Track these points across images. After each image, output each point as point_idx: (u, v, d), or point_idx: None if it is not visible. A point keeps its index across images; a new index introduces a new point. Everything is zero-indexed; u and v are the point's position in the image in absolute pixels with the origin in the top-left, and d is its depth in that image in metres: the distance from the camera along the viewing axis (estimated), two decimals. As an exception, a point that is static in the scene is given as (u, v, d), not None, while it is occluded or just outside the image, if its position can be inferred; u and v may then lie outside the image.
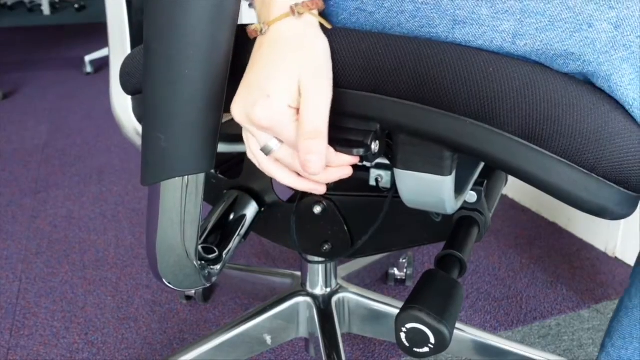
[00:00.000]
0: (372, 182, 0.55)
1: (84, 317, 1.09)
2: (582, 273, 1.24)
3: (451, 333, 0.45)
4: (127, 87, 0.61)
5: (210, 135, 0.49)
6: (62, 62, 3.37)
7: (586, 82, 0.44)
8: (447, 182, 0.47)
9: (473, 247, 0.57)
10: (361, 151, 0.45)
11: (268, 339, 0.88)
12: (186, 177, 0.51)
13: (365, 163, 0.55)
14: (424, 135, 0.45)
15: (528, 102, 0.41)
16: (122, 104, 0.69)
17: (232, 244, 0.65)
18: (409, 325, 0.45)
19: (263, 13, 0.44)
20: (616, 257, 1.29)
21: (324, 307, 0.87)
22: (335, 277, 0.90)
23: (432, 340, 0.44)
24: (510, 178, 1.60)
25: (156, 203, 0.53)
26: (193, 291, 1.11)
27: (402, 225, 0.63)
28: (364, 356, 0.99)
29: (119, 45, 0.66)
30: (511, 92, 0.41)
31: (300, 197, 0.66)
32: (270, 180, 0.68)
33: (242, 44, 0.48)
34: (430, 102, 0.43)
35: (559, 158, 0.42)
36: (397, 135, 0.47)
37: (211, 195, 0.71)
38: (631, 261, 1.27)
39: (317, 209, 0.66)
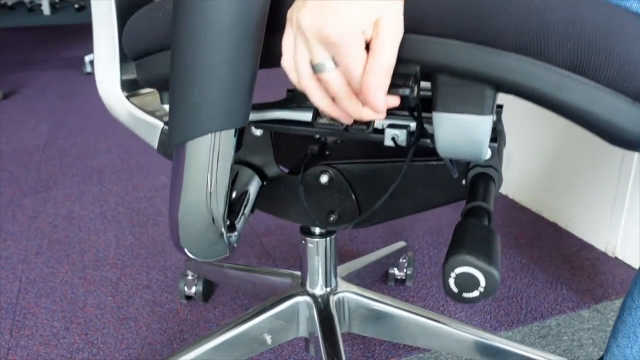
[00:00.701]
0: (388, 142, 0.54)
1: (84, 317, 1.09)
2: (582, 273, 1.24)
3: (500, 275, 0.44)
4: (133, 50, 0.59)
5: (246, 88, 0.47)
6: (62, 62, 3.37)
7: (630, 11, 0.43)
8: (488, 122, 0.46)
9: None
10: (407, 91, 0.44)
11: (268, 338, 0.88)
12: (218, 133, 0.49)
13: (381, 124, 0.54)
14: (467, 74, 0.44)
15: (576, 34, 0.41)
16: (109, 83, 0.65)
17: (242, 219, 0.63)
18: (458, 270, 0.44)
19: None
20: (616, 257, 1.29)
21: (323, 306, 0.87)
22: (335, 277, 0.90)
23: (483, 283, 0.44)
24: (511, 179, 1.59)
25: (183, 164, 0.51)
26: (193, 291, 1.11)
27: (410, 189, 0.62)
28: (364, 356, 0.99)
29: (103, 17, 0.63)
30: (558, 24, 0.41)
31: (305, 168, 0.65)
32: (273, 152, 0.66)
33: None
34: (474, 39, 0.42)
35: (604, 88, 0.42)
36: (437, 76, 0.46)
37: None
38: (631, 261, 1.27)
39: (324, 178, 0.64)
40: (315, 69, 0.44)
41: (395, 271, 1.18)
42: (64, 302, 1.13)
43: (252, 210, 0.66)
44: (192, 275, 1.12)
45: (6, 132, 2.16)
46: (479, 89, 0.45)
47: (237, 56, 0.46)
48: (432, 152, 0.60)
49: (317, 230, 0.87)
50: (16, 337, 1.04)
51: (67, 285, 1.19)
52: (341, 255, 1.30)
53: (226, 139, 0.50)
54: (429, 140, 0.55)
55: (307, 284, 0.89)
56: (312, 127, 0.54)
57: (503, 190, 1.62)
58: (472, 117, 0.46)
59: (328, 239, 0.87)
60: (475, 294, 0.45)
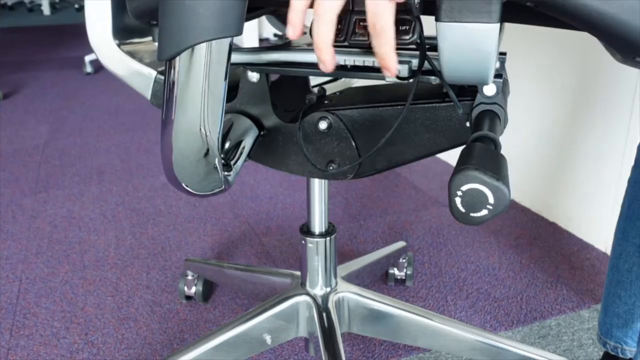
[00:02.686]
0: (390, 77, 0.53)
1: (84, 317, 1.09)
2: (582, 273, 1.24)
3: (509, 191, 0.42)
4: None
5: None
6: (62, 62, 3.37)
7: None
8: (494, 31, 0.44)
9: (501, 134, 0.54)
10: None
11: (268, 338, 0.88)
12: (210, 45, 0.47)
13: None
14: None
15: None
16: (101, 30, 0.63)
17: (239, 160, 0.61)
18: (465, 187, 0.42)
19: None
20: (616, 257, 1.29)
21: (323, 306, 0.87)
22: (335, 277, 0.90)
23: (491, 199, 0.42)
24: (511, 179, 1.59)
25: (175, 80, 0.49)
26: (193, 291, 1.11)
27: (413, 133, 0.61)
28: (364, 356, 0.99)
29: None
30: None
31: (304, 114, 0.64)
32: (271, 102, 0.64)
33: None
34: None
35: None
36: None
37: None
38: (631, 261, 1.27)
39: (323, 125, 0.63)
40: None
41: (395, 271, 1.18)
42: (64, 302, 1.13)
43: (248, 156, 0.63)
44: (192, 275, 1.12)
45: (6, 132, 2.16)
46: None
47: None
48: (434, 95, 0.59)
49: (317, 230, 0.87)
50: (16, 337, 1.04)
51: (67, 285, 1.19)
52: (341, 255, 1.30)
53: (219, 50, 0.48)
54: (432, 78, 0.54)
55: (307, 284, 0.89)
56: (310, 68, 0.52)
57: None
58: (478, 26, 0.44)
59: (328, 238, 0.87)
60: (484, 212, 0.42)
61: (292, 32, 0.47)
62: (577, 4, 0.41)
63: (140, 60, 0.66)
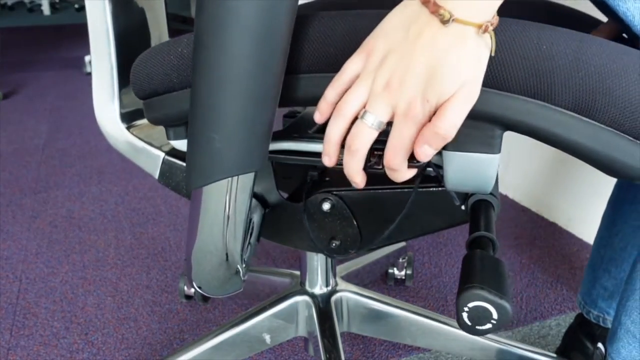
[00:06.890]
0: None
1: (84, 317, 1.09)
2: (582, 273, 1.23)
3: (512, 307, 0.45)
4: (142, 90, 0.59)
5: (265, 131, 0.48)
6: (62, 62, 3.37)
7: (633, 49, 0.45)
8: (496, 160, 0.48)
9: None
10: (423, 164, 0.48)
11: (267, 338, 0.88)
12: (238, 176, 0.50)
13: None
14: (479, 116, 0.46)
15: (580, 76, 0.43)
16: (109, 116, 0.66)
17: (249, 249, 0.64)
18: (471, 305, 0.45)
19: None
20: (616, 257, 1.29)
21: (323, 306, 0.87)
22: (334, 277, 0.90)
23: (495, 316, 0.45)
24: (511, 179, 1.58)
25: (200, 205, 0.52)
26: (193, 290, 1.11)
27: (411, 214, 0.63)
28: (363, 356, 0.99)
29: (102, 47, 0.63)
30: (564, 67, 0.43)
31: (307, 195, 0.66)
32: (274, 179, 0.67)
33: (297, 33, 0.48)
34: (485, 82, 0.44)
35: (608, 128, 0.44)
36: None
37: None
38: (631, 261, 1.27)
39: (326, 206, 0.65)
40: (365, 117, 0.43)
41: (395, 271, 1.18)
42: (64, 302, 1.14)
43: (257, 239, 0.66)
44: (192, 275, 1.12)
45: (6, 132, 2.16)
46: (489, 129, 0.47)
47: (260, 101, 0.46)
48: (431, 179, 0.61)
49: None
50: (16, 337, 1.04)
51: (67, 285, 1.19)
52: (341, 255, 1.30)
53: (244, 181, 0.51)
54: (431, 169, 0.56)
55: (307, 283, 0.89)
56: (315, 157, 0.55)
57: (503, 190, 1.62)
58: (481, 156, 0.48)
59: (327, 239, 0.87)
60: (488, 325, 0.46)
61: (328, 161, 0.49)
62: (570, 141, 0.45)
63: (148, 141, 0.68)
